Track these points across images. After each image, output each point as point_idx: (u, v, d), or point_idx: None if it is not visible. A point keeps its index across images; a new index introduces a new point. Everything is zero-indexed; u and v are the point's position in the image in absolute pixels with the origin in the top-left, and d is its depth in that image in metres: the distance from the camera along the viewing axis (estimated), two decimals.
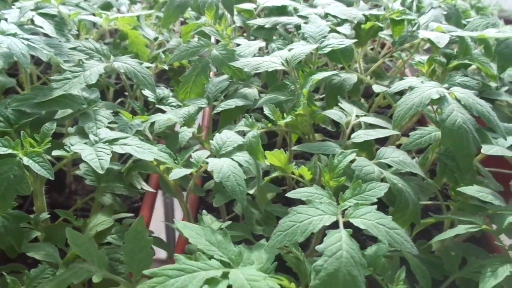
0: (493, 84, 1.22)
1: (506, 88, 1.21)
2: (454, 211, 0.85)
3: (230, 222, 0.82)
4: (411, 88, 0.91)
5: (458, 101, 0.87)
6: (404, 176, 0.93)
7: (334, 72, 0.94)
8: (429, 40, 1.09)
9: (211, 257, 0.62)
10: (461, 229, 0.72)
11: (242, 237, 0.80)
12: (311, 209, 0.64)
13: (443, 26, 1.15)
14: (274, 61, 0.98)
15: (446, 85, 0.93)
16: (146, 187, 0.93)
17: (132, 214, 0.94)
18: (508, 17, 2.22)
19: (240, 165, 0.76)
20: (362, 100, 1.35)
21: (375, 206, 0.65)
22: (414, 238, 0.88)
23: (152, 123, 0.98)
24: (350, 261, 0.57)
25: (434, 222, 0.83)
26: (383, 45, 1.61)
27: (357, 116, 0.92)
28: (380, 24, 1.20)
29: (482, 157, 1.01)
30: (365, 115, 0.94)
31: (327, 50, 1.05)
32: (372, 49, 1.62)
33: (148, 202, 1.08)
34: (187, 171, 0.76)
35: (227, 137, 0.82)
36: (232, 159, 0.77)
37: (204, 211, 0.83)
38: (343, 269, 0.56)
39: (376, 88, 1.05)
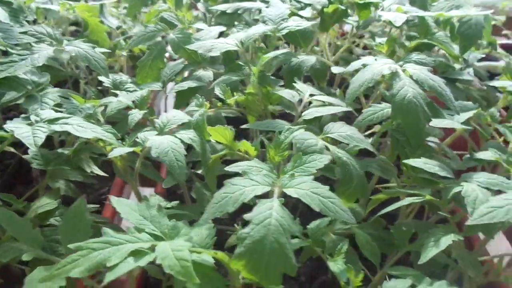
0: (457, 66, 1.22)
1: (470, 69, 1.21)
2: (408, 188, 0.84)
3: (177, 202, 0.80)
4: (364, 66, 0.90)
5: (411, 77, 0.86)
6: (365, 157, 0.93)
7: (284, 50, 0.93)
8: (388, 21, 1.08)
9: (142, 231, 0.61)
10: (405, 201, 0.71)
11: (190, 218, 0.79)
12: (246, 180, 0.63)
13: (404, 7, 1.14)
14: (228, 42, 0.97)
15: (401, 62, 0.92)
16: (97, 171, 0.91)
17: (98, 205, 0.92)
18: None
19: (183, 141, 0.74)
20: (338, 90, 1.33)
21: (312, 177, 0.63)
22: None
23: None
24: (279, 228, 0.55)
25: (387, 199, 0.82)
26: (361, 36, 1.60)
27: (311, 95, 0.91)
28: (342, 7, 1.19)
29: (450, 141, 1.01)
30: (320, 95, 0.92)
31: (284, 32, 1.04)
32: (345, 39, 1.61)
33: (115, 192, 1.07)
34: (128, 149, 0.75)
35: (173, 115, 0.80)
36: (175, 136, 0.75)
37: (152, 192, 0.82)
38: (270, 237, 0.54)
39: (335, 69, 1.03)
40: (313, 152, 0.70)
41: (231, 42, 0.97)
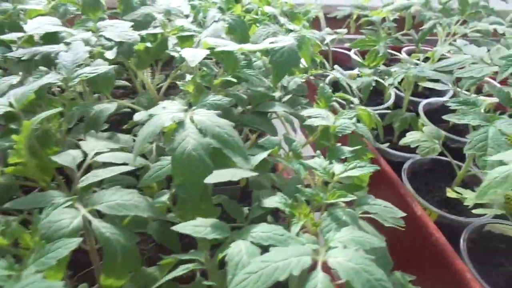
0: (277, 94, 1.22)
1: (289, 96, 1.22)
2: None
3: None
4: (151, 116, 0.84)
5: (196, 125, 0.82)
6: None
7: (58, 109, 0.84)
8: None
9: None
10: (178, 270, 0.66)
11: None
12: None
13: (213, 40, 1.11)
14: (2, 103, 0.86)
15: (194, 107, 0.88)
16: None
17: None
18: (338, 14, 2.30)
19: None
20: None
21: (41, 274, 0.56)
22: None
23: None
24: None
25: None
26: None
27: (97, 154, 0.83)
28: (148, 45, 1.14)
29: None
30: (108, 151, 0.85)
31: (77, 80, 0.95)
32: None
33: None
34: None
35: None
36: None
37: None
38: None
39: (136, 116, 0.97)
40: (62, 236, 0.62)
41: (4, 102, 0.86)
